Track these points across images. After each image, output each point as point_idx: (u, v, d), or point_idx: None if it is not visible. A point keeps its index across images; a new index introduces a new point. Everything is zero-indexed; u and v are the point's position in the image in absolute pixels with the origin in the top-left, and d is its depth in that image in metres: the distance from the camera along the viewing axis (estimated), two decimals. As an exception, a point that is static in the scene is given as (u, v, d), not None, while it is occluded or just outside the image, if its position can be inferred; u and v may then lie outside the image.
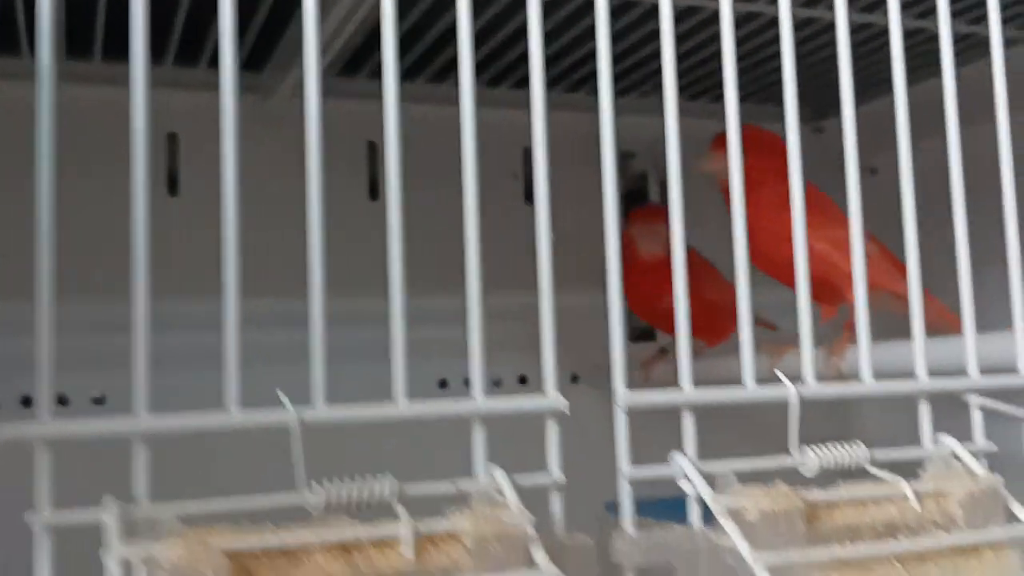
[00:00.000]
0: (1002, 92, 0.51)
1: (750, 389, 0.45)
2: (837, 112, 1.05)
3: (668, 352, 0.93)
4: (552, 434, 0.42)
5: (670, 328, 0.87)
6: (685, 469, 0.43)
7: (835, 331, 0.70)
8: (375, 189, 1.02)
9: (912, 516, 0.43)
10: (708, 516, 0.43)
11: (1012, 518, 0.45)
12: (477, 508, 0.39)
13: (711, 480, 0.43)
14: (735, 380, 0.85)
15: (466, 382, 0.99)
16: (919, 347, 0.49)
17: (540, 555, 0.37)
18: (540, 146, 0.44)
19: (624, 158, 1.07)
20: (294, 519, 0.37)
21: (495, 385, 1.00)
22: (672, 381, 0.90)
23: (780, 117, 1.09)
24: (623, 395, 0.43)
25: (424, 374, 0.96)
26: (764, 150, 0.73)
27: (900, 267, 0.60)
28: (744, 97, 1.02)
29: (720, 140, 0.84)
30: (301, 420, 0.38)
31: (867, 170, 1.05)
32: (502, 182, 1.06)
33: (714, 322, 0.79)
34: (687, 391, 0.44)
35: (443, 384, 1.01)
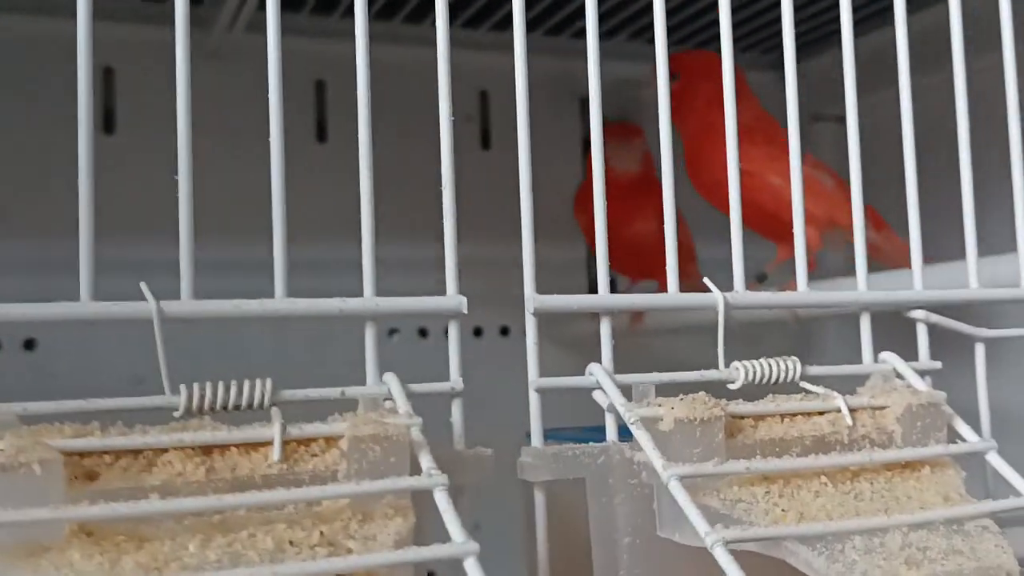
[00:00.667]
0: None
1: (672, 295, 0.42)
2: (808, 57, 1.01)
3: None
4: (453, 337, 0.39)
5: (629, 261, 0.84)
6: (599, 379, 0.40)
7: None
8: (323, 131, 0.98)
9: (845, 431, 0.40)
10: (627, 432, 0.39)
11: (956, 436, 0.42)
12: (361, 413, 0.35)
13: (628, 392, 0.40)
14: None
15: (421, 332, 0.96)
16: (860, 258, 0.46)
17: (426, 460, 0.34)
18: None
19: (585, 103, 1.03)
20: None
21: (476, 334, 0.96)
22: (624, 329, 0.86)
23: (746, 63, 1.05)
24: (531, 298, 0.40)
25: (405, 324, 0.93)
26: (712, 74, 0.70)
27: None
28: (709, 40, 0.98)
29: (672, 62, 0.80)
30: (161, 312, 0.34)
31: (833, 119, 1.01)
32: (457, 126, 1.02)
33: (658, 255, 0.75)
34: (602, 295, 0.41)
35: (423, 333, 0.97)
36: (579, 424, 0.50)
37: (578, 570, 0.40)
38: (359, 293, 0.37)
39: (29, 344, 0.82)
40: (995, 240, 0.51)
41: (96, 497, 0.30)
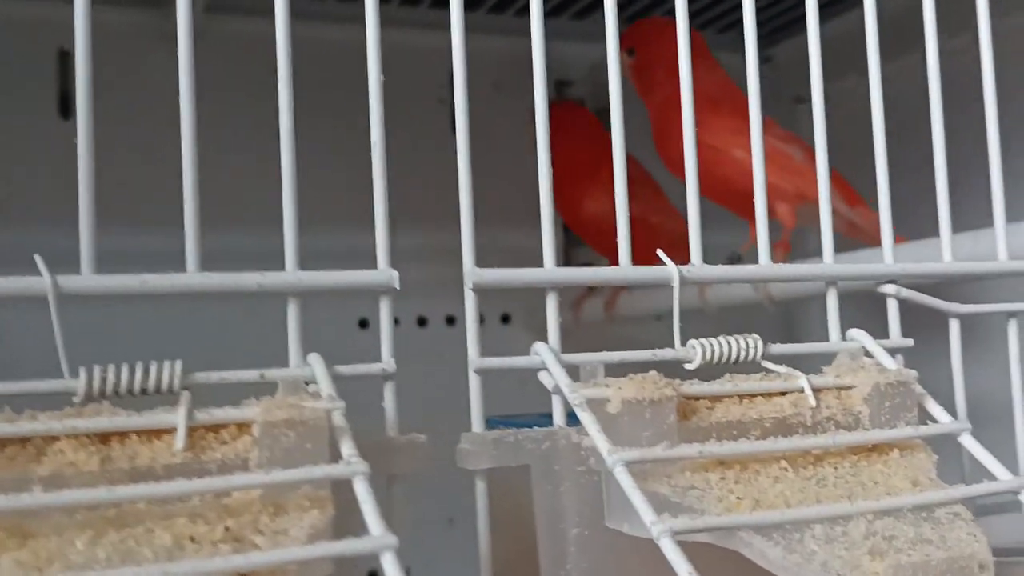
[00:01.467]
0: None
1: (624, 268, 0.39)
2: (788, 38, 0.99)
3: (596, 290, 0.87)
4: (384, 314, 0.36)
5: (593, 239, 0.82)
6: (544, 358, 0.37)
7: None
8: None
9: (808, 412, 0.37)
10: (577, 419, 0.37)
11: (928, 417, 0.39)
12: (279, 397, 0.32)
13: (577, 374, 0.37)
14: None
15: (395, 321, 0.93)
16: (826, 230, 0.43)
17: (347, 447, 0.31)
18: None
19: (560, 87, 1.00)
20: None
21: (420, 324, 0.94)
22: (600, 318, 0.84)
23: (725, 44, 1.02)
24: (471, 273, 0.37)
25: (344, 314, 0.90)
26: (668, 42, 0.68)
27: (835, 178, 0.55)
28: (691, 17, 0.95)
29: (626, 36, 0.78)
30: (57, 287, 0.31)
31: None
32: (427, 110, 0.99)
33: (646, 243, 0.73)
34: (547, 268, 0.38)
35: (363, 324, 0.94)
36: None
37: (526, 563, 0.37)
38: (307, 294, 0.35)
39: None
40: (972, 220, 0.49)
41: (-26, 489, 0.27)
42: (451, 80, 1.01)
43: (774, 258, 0.68)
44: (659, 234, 0.73)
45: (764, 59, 1.06)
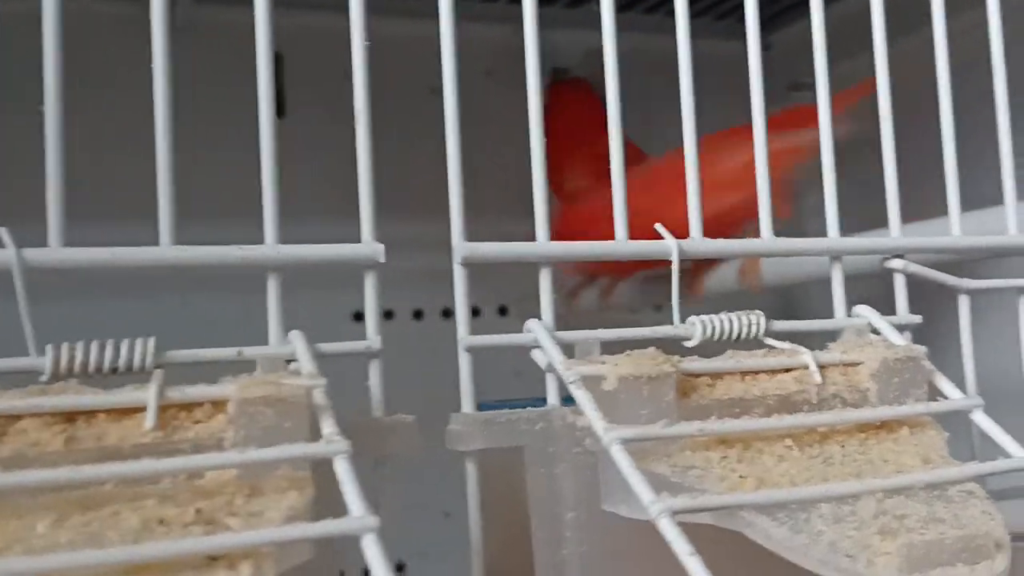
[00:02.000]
0: None
1: (621, 242, 0.37)
2: (785, 25, 0.97)
3: (593, 279, 0.85)
4: (369, 289, 0.34)
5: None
6: (538, 336, 0.35)
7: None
8: (281, 105, 0.93)
9: (813, 389, 0.36)
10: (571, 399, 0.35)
11: (937, 394, 0.38)
12: (258, 375, 0.31)
13: (570, 352, 0.36)
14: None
15: (387, 314, 0.91)
16: (830, 202, 0.41)
17: (328, 426, 0.29)
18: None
19: (555, 74, 0.99)
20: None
21: (416, 317, 0.92)
22: (596, 308, 0.82)
23: (720, 31, 1.01)
24: (460, 247, 0.35)
25: (338, 306, 0.88)
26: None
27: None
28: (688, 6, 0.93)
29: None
30: (23, 260, 0.29)
31: (810, 87, 0.97)
32: (418, 100, 0.97)
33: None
34: (539, 242, 0.36)
35: (358, 317, 0.92)
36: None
37: (519, 550, 0.35)
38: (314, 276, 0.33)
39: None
40: (976, 204, 0.47)
41: (-69, 471, 0.25)
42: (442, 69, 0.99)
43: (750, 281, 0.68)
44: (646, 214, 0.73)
45: (763, 46, 1.05)
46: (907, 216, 0.43)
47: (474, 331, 0.36)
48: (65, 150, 0.32)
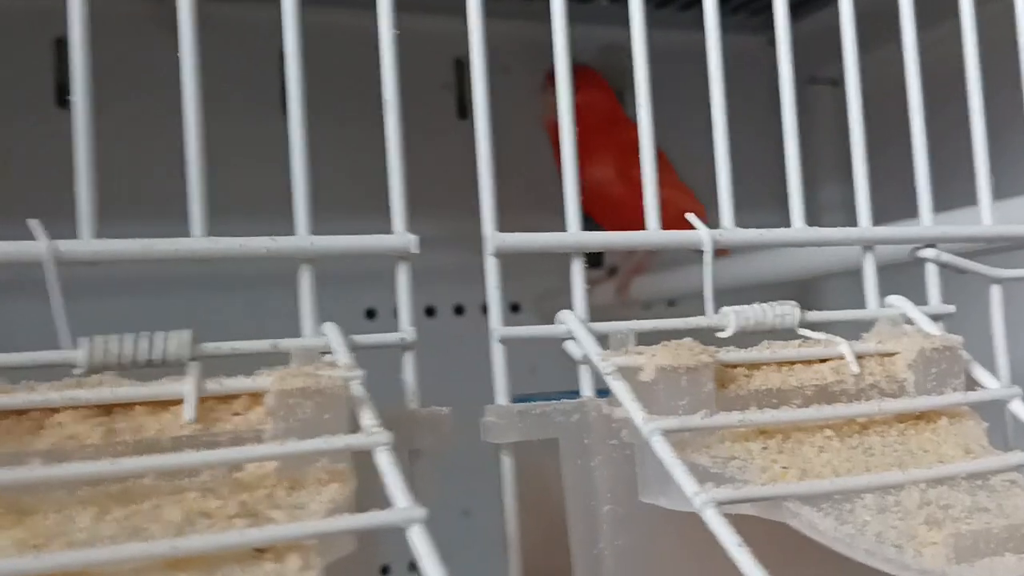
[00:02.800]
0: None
1: (653, 232, 0.37)
2: (802, 17, 0.97)
3: (615, 271, 0.85)
4: (403, 280, 0.34)
5: (595, 207, 0.80)
6: (571, 327, 0.35)
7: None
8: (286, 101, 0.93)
9: (850, 379, 0.35)
10: (607, 393, 0.35)
11: (975, 384, 0.37)
12: (294, 366, 0.30)
13: (605, 344, 0.35)
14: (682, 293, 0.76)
15: (395, 313, 0.91)
16: (861, 192, 0.41)
17: (367, 417, 0.29)
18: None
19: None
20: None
21: (428, 314, 0.92)
22: (611, 302, 0.82)
23: (732, 25, 1.00)
24: (492, 237, 0.35)
25: (351, 304, 0.88)
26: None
27: None
28: (688, 5, 0.93)
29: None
30: (56, 252, 0.29)
31: (827, 81, 0.97)
32: (432, 95, 0.97)
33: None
34: (572, 232, 0.36)
35: (371, 314, 0.92)
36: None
37: (555, 543, 0.35)
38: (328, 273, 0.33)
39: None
40: (1007, 191, 0.47)
41: (-31, 465, 0.25)
42: (456, 65, 0.99)
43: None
44: (666, 207, 0.72)
45: (772, 41, 1.04)
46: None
47: (482, 328, 0.35)
48: (94, 143, 0.31)
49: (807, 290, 0.88)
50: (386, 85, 0.34)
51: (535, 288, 0.86)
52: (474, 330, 0.88)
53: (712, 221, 0.39)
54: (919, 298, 0.41)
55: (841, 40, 0.43)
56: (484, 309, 0.89)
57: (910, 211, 0.44)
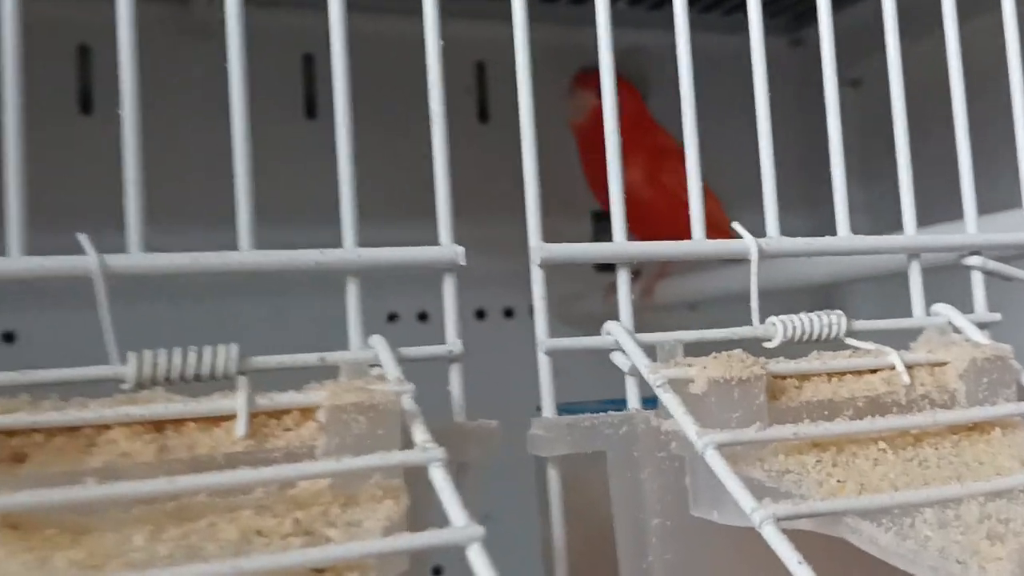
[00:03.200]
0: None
1: (699, 242, 0.36)
2: (815, 21, 0.96)
3: (639, 275, 0.85)
4: (449, 293, 0.34)
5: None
6: (618, 338, 0.35)
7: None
8: (312, 107, 0.93)
9: (901, 390, 0.35)
10: (651, 402, 0.34)
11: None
12: (344, 381, 0.30)
13: (651, 355, 0.35)
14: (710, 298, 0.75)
15: (420, 316, 0.91)
16: (907, 199, 0.40)
17: (420, 433, 0.28)
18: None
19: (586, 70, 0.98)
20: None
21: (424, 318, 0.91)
22: (636, 304, 0.82)
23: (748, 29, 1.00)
24: (538, 248, 0.34)
25: (373, 307, 0.88)
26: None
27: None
28: (710, 7, 0.93)
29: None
30: (105, 267, 0.29)
31: (847, 82, 0.96)
32: (454, 99, 0.97)
33: (673, 218, 0.70)
34: (618, 242, 0.36)
35: (392, 318, 0.92)
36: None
37: (600, 557, 0.35)
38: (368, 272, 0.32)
39: (8, 337, 0.77)
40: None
41: (24, 483, 0.25)
42: (476, 69, 0.98)
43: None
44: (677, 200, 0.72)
45: (794, 42, 1.04)
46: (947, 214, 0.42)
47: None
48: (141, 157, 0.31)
49: (830, 294, 0.88)
50: (432, 98, 0.34)
51: (557, 291, 0.86)
52: (498, 335, 0.87)
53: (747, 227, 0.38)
54: (954, 302, 0.40)
55: (861, 41, 0.42)
56: (507, 313, 0.90)
57: (938, 213, 0.43)
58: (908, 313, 0.40)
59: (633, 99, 0.78)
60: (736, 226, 0.37)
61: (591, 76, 0.81)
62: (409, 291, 0.89)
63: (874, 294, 0.92)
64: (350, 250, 0.32)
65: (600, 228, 0.91)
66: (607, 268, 0.98)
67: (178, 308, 0.71)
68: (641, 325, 0.36)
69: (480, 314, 0.89)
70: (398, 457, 0.27)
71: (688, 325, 0.38)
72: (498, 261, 0.70)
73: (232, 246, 0.30)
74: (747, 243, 0.37)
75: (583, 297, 0.81)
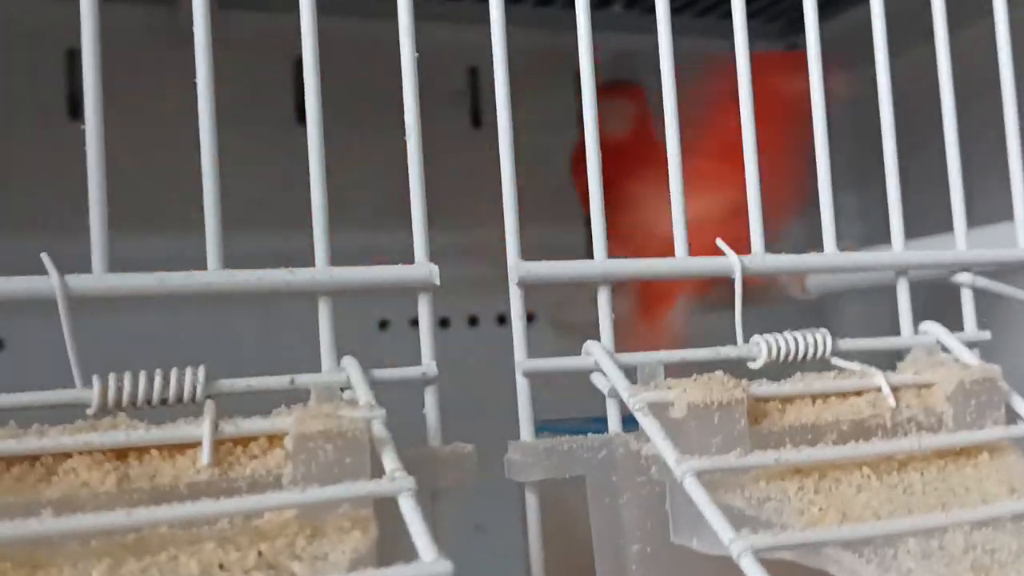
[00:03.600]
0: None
1: (681, 259, 0.36)
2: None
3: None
4: (424, 312, 0.33)
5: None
6: (597, 359, 0.34)
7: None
8: (302, 112, 0.92)
9: (887, 413, 0.34)
10: (633, 423, 0.34)
11: (1014, 416, 0.36)
12: (313, 405, 0.29)
13: (633, 375, 0.34)
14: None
15: (411, 322, 0.90)
16: (895, 214, 0.40)
17: (390, 461, 0.28)
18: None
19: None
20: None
21: (442, 325, 0.91)
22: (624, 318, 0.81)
23: (752, 32, 0.99)
24: (516, 265, 0.34)
25: (364, 314, 0.87)
26: None
27: None
28: (705, 11, 0.92)
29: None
30: (66, 287, 0.28)
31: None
32: (447, 104, 0.96)
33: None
34: (599, 260, 0.35)
35: (383, 325, 0.91)
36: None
37: (578, 580, 0.34)
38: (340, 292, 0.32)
39: (-4, 344, 0.77)
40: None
41: (-22, 515, 0.24)
42: (469, 74, 0.98)
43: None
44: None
45: (789, 47, 1.03)
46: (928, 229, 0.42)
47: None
48: (106, 165, 0.31)
49: (819, 306, 0.87)
50: (408, 110, 0.33)
51: (550, 295, 0.85)
52: (488, 342, 0.86)
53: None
54: (946, 314, 0.40)
55: (854, 49, 0.41)
56: (501, 320, 0.89)
57: (932, 221, 0.42)
58: (897, 325, 0.39)
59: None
60: (720, 243, 0.36)
61: (627, 86, 0.80)
62: (401, 297, 0.89)
63: (863, 304, 0.91)
64: (322, 269, 0.31)
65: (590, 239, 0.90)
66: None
67: (161, 317, 0.70)
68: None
69: (472, 321, 0.89)
70: (367, 488, 0.26)
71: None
72: (492, 267, 0.70)
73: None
74: (731, 261, 0.36)
75: (576, 302, 0.80)
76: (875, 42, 0.41)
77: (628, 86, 0.81)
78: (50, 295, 0.28)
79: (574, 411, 0.45)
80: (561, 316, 0.81)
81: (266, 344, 0.74)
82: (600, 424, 0.35)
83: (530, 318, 0.98)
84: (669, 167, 0.37)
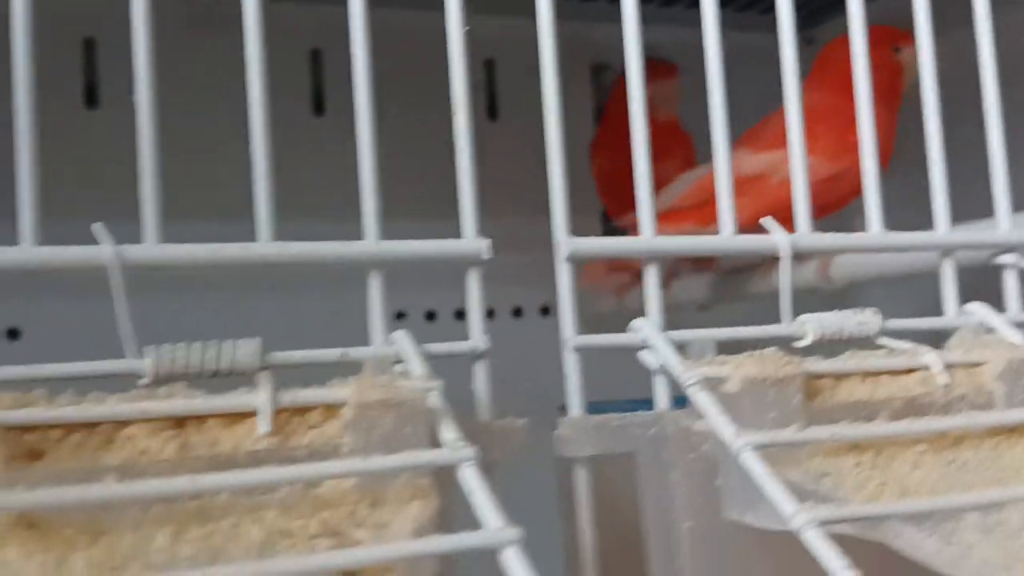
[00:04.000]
0: None
1: (728, 237, 0.35)
2: (831, 18, 0.95)
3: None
4: (473, 288, 0.33)
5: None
6: (647, 335, 0.34)
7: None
8: (320, 103, 0.92)
9: (939, 391, 0.34)
10: (684, 400, 0.33)
11: (1061, 396, 0.36)
12: (367, 376, 0.29)
13: (682, 350, 0.34)
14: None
15: (428, 315, 0.90)
16: (939, 195, 0.39)
17: (449, 431, 0.27)
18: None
19: (597, 71, 0.97)
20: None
21: (458, 317, 0.90)
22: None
23: (765, 25, 0.99)
24: (565, 243, 0.33)
25: (413, 304, 0.86)
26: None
27: None
28: (723, 2, 0.91)
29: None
30: (122, 258, 0.28)
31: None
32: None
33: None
34: (646, 237, 0.35)
35: (400, 316, 0.91)
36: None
37: (627, 561, 0.34)
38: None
39: (13, 333, 0.76)
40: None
41: (40, 480, 0.24)
42: (486, 66, 0.97)
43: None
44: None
45: (806, 41, 1.03)
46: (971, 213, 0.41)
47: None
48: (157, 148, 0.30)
49: (846, 296, 0.87)
50: (456, 91, 0.33)
51: (533, 292, 0.85)
52: (506, 335, 0.86)
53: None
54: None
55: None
56: (516, 312, 0.88)
57: (970, 208, 0.42)
58: (927, 314, 0.39)
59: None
60: (766, 222, 0.36)
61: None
62: (417, 289, 0.88)
63: (883, 296, 0.91)
64: (372, 242, 0.31)
65: (609, 229, 0.89)
66: (616, 268, 0.97)
67: (187, 304, 0.69)
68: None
69: (488, 313, 0.88)
70: (427, 456, 0.26)
71: (697, 326, 0.37)
72: (504, 259, 0.69)
73: (239, 241, 0.29)
74: (778, 239, 0.36)
75: (593, 296, 0.80)
76: (917, 23, 0.40)
77: (664, 65, 0.80)
78: (105, 264, 0.28)
79: (609, 395, 0.45)
80: (585, 306, 0.81)
81: (294, 333, 0.73)
82: (637, 406, 0.35)
83: (545, 311, 0.97)
84: (715, 151, 0.37)
